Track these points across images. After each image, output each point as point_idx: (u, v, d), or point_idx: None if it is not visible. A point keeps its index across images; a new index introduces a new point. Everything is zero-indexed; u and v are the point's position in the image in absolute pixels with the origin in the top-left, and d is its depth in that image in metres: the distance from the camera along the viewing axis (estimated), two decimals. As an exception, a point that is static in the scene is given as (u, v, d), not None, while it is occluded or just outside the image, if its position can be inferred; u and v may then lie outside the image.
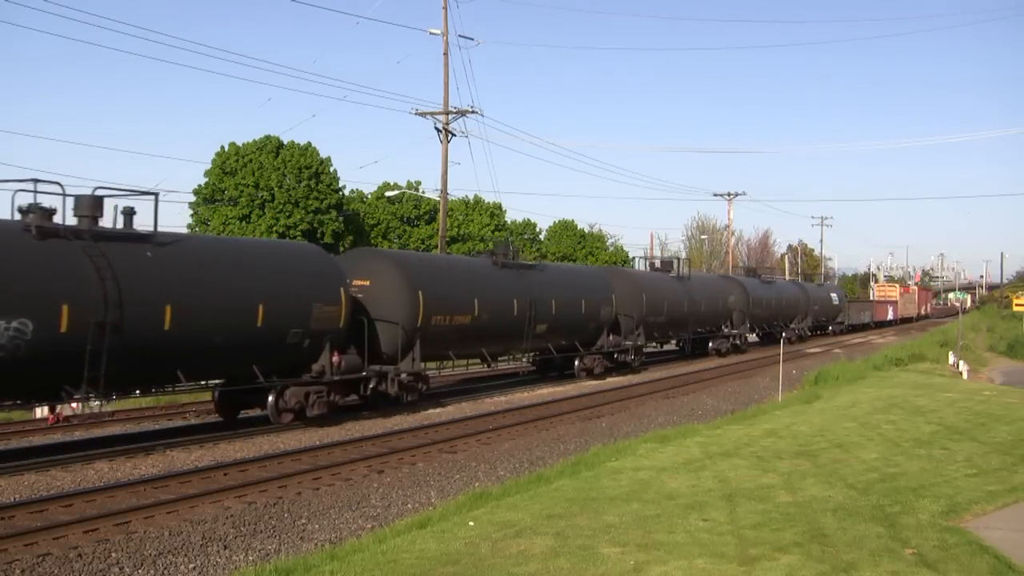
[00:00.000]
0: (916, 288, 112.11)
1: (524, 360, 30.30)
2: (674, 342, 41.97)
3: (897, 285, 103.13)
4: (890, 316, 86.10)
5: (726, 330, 43.42)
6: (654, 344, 39.47)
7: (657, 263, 42.04)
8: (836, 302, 66.38)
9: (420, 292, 21.89)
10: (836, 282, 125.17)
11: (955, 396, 25.80)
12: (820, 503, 11.84)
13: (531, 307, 26.47)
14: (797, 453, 15.87)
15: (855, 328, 73.78)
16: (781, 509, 11.49)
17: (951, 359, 40.95)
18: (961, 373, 37.30)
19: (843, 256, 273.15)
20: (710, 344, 42.73)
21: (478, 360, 26.57)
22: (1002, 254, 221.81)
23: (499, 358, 28.00)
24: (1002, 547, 9.71)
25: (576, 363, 30.73)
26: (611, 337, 32.01)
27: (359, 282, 21.49)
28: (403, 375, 21.42)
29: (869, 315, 78.76)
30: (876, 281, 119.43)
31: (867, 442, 17.08)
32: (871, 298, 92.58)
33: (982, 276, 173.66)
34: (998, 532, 10.49)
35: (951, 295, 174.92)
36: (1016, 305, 75.03)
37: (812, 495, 12.35)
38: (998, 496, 12.42)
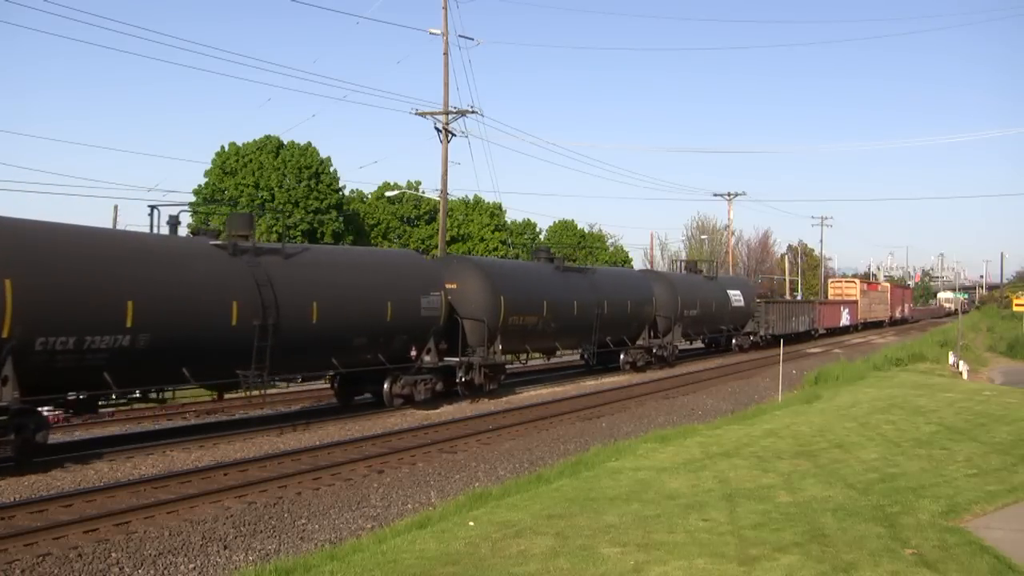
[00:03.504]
0: (889, 285, 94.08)
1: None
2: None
3: (858, 281, 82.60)
4: (845, 321, 67.75)
5: (425, 359, 23.00)
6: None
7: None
8: (739, 303, 45.70)
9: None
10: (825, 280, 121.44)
11: (955, 396, 25.79)
12: (820, 503, 11.84)
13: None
14: (797, 453, 15.87)
15: (782, 340, 41.58)
16: (781, 509, 11.48)
17: (951, 359, 40.96)
18: (961, 373, 37.32)
19: (843, 256, 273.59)
20: (386, 386, 22.28)
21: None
22: (1002, 254, 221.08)
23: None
24: (1002, 547, 9.70)
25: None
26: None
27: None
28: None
29: (807, 321, 57.29)
30: (877, 280, 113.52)
31: (867, 442, 17.08)
32: (821, 298, 76.06)
33: (982, 276, 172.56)
34: (998, 532, 10.48)
35: (940, 295, 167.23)
36: (1016, 305, 73.93)
37: (812, 495, 12.35)
38: (998, 496, 12.41)
